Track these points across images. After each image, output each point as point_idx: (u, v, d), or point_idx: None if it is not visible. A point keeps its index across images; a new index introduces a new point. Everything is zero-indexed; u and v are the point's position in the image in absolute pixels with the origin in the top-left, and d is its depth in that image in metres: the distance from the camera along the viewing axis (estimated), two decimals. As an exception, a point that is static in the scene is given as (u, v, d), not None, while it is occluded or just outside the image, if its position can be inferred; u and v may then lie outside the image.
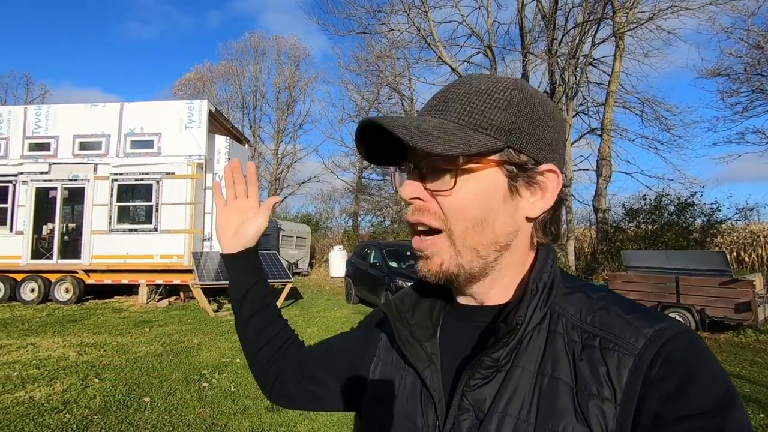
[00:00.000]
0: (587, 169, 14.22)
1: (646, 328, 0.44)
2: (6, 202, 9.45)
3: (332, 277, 14.91)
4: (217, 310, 8.38)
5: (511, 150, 0.50)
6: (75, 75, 49.50)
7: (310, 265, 17.27)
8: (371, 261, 9.22)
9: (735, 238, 12.00)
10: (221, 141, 9.83)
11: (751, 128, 10.82)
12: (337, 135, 30.71)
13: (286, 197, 26.46)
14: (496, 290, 0.54)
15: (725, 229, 10.98)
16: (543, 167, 0.51)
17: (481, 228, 0.50)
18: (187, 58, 52.14)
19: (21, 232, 9.38)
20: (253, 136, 25.33)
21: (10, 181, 9.48)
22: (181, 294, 9.61)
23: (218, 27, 46.96)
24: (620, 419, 0.42)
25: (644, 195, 12.11)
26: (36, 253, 9.47)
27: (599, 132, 12.86)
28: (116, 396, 3.84)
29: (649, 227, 11.35)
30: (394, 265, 8.48)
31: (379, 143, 0.53)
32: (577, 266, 11.68)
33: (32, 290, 8.93)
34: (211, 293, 8.63)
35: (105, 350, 5.38)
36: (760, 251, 12.95)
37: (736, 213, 11.05)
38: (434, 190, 0.51)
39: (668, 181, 12.55)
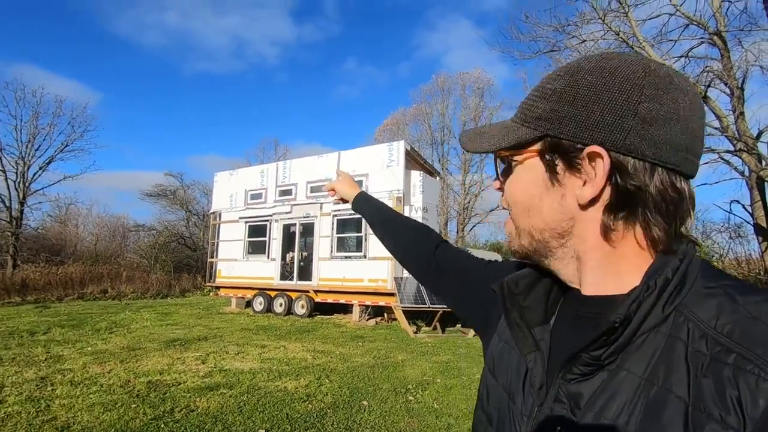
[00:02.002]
0: None
1: None
2: (264, 236, 12.48)
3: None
4: (416, 332, 8.98)
5: (548, 138, 0.50)
6: (304, 134, 62.41)
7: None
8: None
9: None
10: (416, 176, 10.78)
11: None
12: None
13: (473, 226, 26.65)
14: (592, 279, 0.51)
15: None
16: (586, 150, 0.47)
17: (529, 213, 0.53)
18: (385, 107, 59.67)
19: (274, 259, 12.18)
20: (442, 169, 26.78)
21: (267, 221, 12.51)
22: (385, 315, 10.68)
23: (407, 75, 52.37)
24: None
25: None
26: (282, 276, 12.09)
27: None
28: (342, 396, 4.53)
29: None
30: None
31: None
32: None
33: (281, 305, 11.39)
34: (409, 315, 9.33)
35: (331, 357, 6.42)
36: None
37: None
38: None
39: None
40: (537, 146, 0.52)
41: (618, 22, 10.51)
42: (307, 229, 12.04)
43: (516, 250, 0.57)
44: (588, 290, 0.51)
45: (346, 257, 10.96)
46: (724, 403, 0.37)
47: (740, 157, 10.20)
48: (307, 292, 11.16)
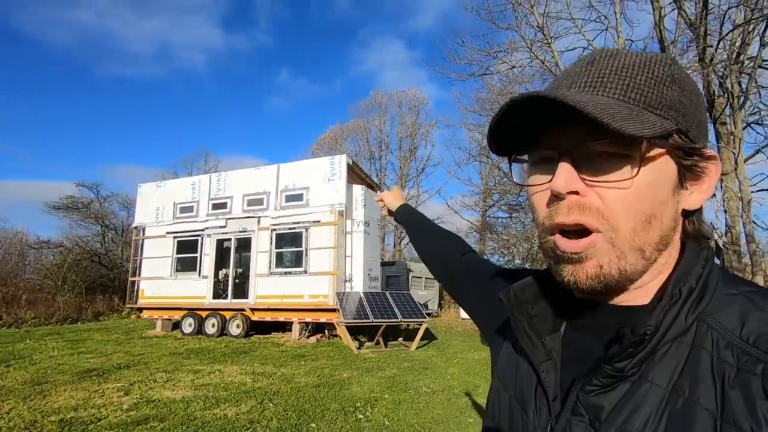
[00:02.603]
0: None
1: None
2: (196, 252, 11.68)
3: (463, 319, 14.57)
4: (359, 348, 8.85)
5: (679, 133, 0.44)
6: (235, 146, 60.06)
7: (440, 306, 17.20)
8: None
9: None
10: (358, 190, 10.77)
11: None
12: (464, 174, 31.10)
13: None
14: (633, 291, 0.48)
15: None
16: (707, 152, 0.46)
17: (650, 225, 0.44)
18: (321, 121, 59.39)
19: (206, 277, 11.41)
20: (380, 183, 27.11)
21: (198, 235, 11.74)
22: (326, 331, 10.41)
23: (343, 90, 52.86)
24: None
25: None
26: (215, 294, 11.36)
27: (783, 143, 10.57)
28: (288, 420, 4.29)
29: None
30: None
31: (507, 130, 0.48)
32: None
33: (213, 325, 10.65)
34: (351, 331, 9.18)
35: (273, 379, 6.09)
36: None
37: None
38: (599, 180, 0.44)
39: None
40: (670, 140, 0.44)
41: (542, 52, 11.49)
42: (243, 244, 11.47)
43: (609, 274, 0.45)
44: (620, 300, 0.48)
45: (285, 273, 10.57)
46: (755, 416, 0.35)
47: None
48: (243, 310, 10.57)
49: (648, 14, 12.12)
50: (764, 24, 8.60)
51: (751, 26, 8.87)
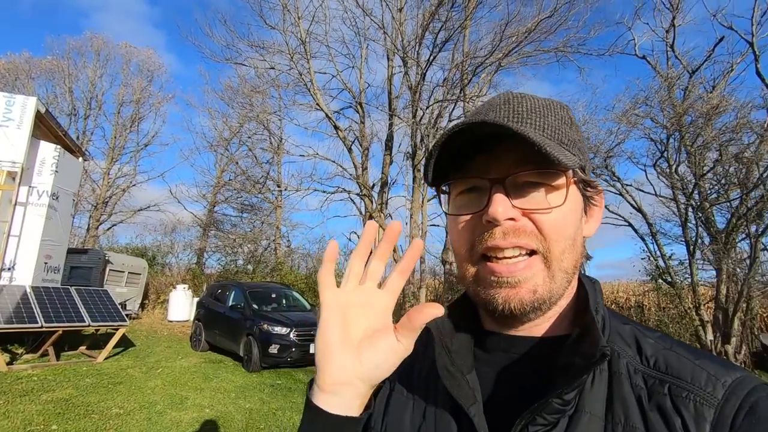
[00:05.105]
0: (438, 225, 16.09)
1: (724, 377, 0.41)
2: None
3: (171, 321, 12.99)
4: (11, 363, 6.42)
5: (583, 168, 0.49)
6: None
7: (142, 306, 14.74)
8: (230, 303, 8.44)
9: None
10: (49, 149, 8.02)
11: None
12: (202, 162, 28.37)
13: (112, 225, 22.47)
14: (544, 320, 0.49)
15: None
16: (599, 186, 0.51)
17: (572, 247, 0.47)
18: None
19: None
20: (83, 148, 21.27)
21: None
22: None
23: (30, 13, 38.72)
24: None
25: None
26: None
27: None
28: None
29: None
30: (257, 307, 7.92)
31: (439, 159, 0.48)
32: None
33: None
34: (2, 340, 6.59)
35: None
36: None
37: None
38: (533, 207, 0.46)
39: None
40: (578, 173, 0.49)
41: (301, 65, 11.99)
42: None
43: (541, 297, 0.46)
44: (529, 331, 0.50)
45: None
46: (674, 431, 0.39)
47: (362, 200, 13.61)
48: None
49: (384, 68, 14.67)
50: (452, 106, 11.91)
51: (444, 105, 12.07)
